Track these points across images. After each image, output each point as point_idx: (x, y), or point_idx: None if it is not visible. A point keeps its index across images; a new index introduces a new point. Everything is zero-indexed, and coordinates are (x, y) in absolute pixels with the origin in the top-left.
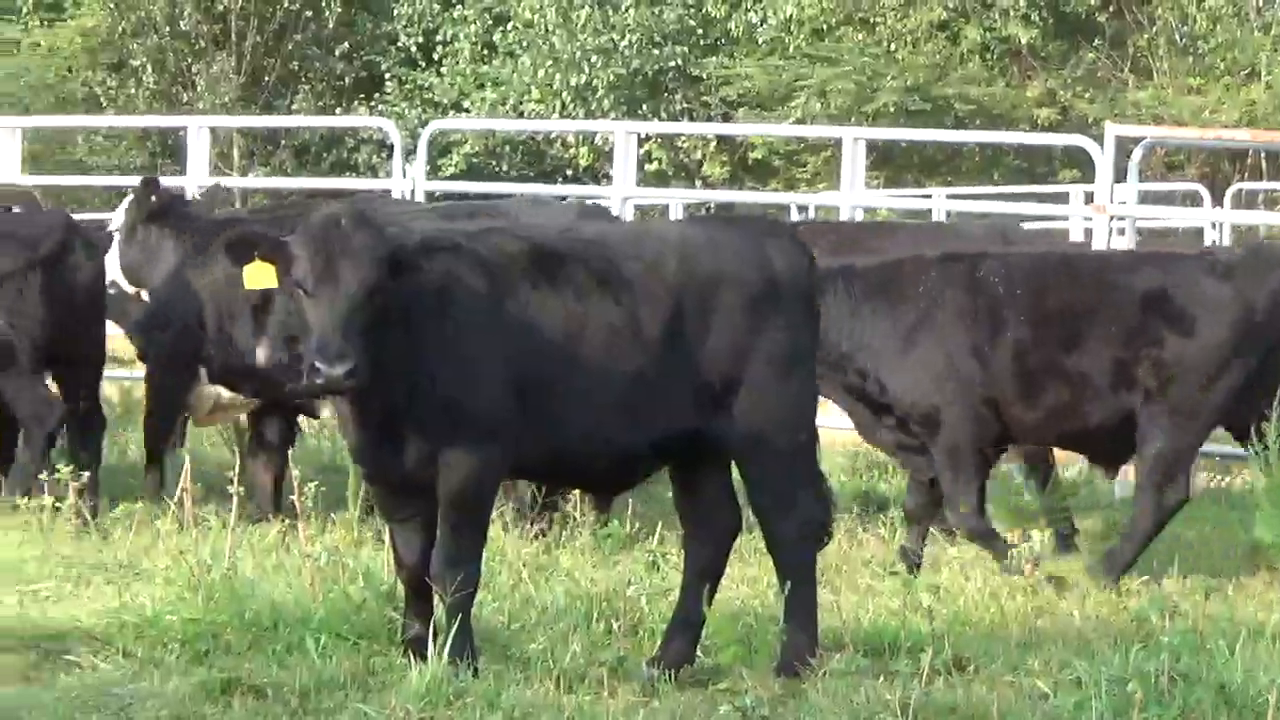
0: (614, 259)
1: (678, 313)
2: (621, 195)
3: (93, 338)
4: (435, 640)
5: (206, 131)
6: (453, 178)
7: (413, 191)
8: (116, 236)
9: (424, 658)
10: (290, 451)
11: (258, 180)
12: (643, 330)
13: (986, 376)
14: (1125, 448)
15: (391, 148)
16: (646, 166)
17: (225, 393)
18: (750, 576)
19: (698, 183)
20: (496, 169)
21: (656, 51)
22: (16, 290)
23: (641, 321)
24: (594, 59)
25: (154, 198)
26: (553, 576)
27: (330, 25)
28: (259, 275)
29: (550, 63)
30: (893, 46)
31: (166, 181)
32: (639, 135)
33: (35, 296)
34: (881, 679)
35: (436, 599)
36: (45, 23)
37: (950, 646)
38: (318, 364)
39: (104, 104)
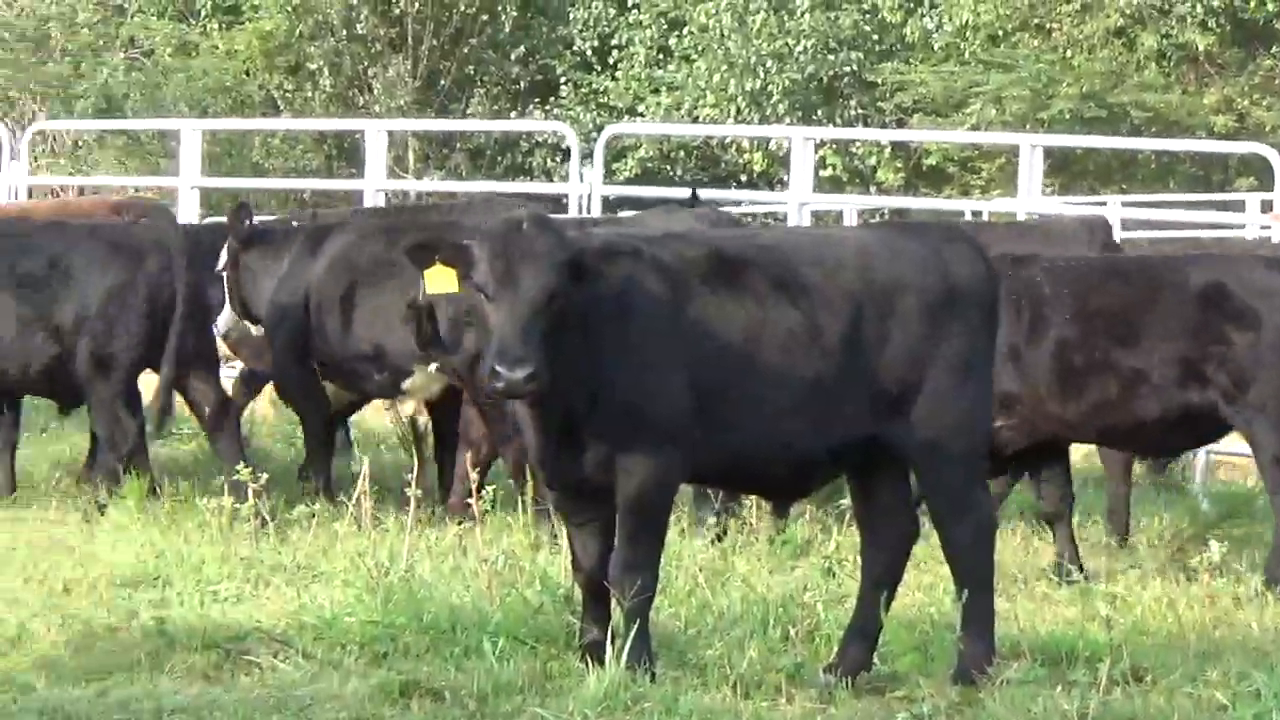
0: (793, 265)
1: (856, 319)
2: (797, 200)
3: (202, 342)
4: (613, 645)
5: (384, 135)
6: (627, 182)
7: (589, 196)
8: (225, 276)
9: (601, 662)
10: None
11: (432, 184)
12: (821, 336)
13: None
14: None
15: (566, 151)
16: (821, 172)
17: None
18: (927, 583)
19: (872, 188)
20: (671, 174)
21: (832, 57)
22: (120, 304)
23: (820, 328)
24: (769, 64)
25: (247, 223)
26: (729, 582)
27: (506, 29)
28: (440, 279)
29: (725, 67)
30: (1069, 53)
31: (343, 184)
32: (815, 141)
33: (138, 310)
34: (1059, 688)
35: (614, 604)
36: (224, 26)
37: (1128, 656)
38: (498, 368)
39: (281, 107)
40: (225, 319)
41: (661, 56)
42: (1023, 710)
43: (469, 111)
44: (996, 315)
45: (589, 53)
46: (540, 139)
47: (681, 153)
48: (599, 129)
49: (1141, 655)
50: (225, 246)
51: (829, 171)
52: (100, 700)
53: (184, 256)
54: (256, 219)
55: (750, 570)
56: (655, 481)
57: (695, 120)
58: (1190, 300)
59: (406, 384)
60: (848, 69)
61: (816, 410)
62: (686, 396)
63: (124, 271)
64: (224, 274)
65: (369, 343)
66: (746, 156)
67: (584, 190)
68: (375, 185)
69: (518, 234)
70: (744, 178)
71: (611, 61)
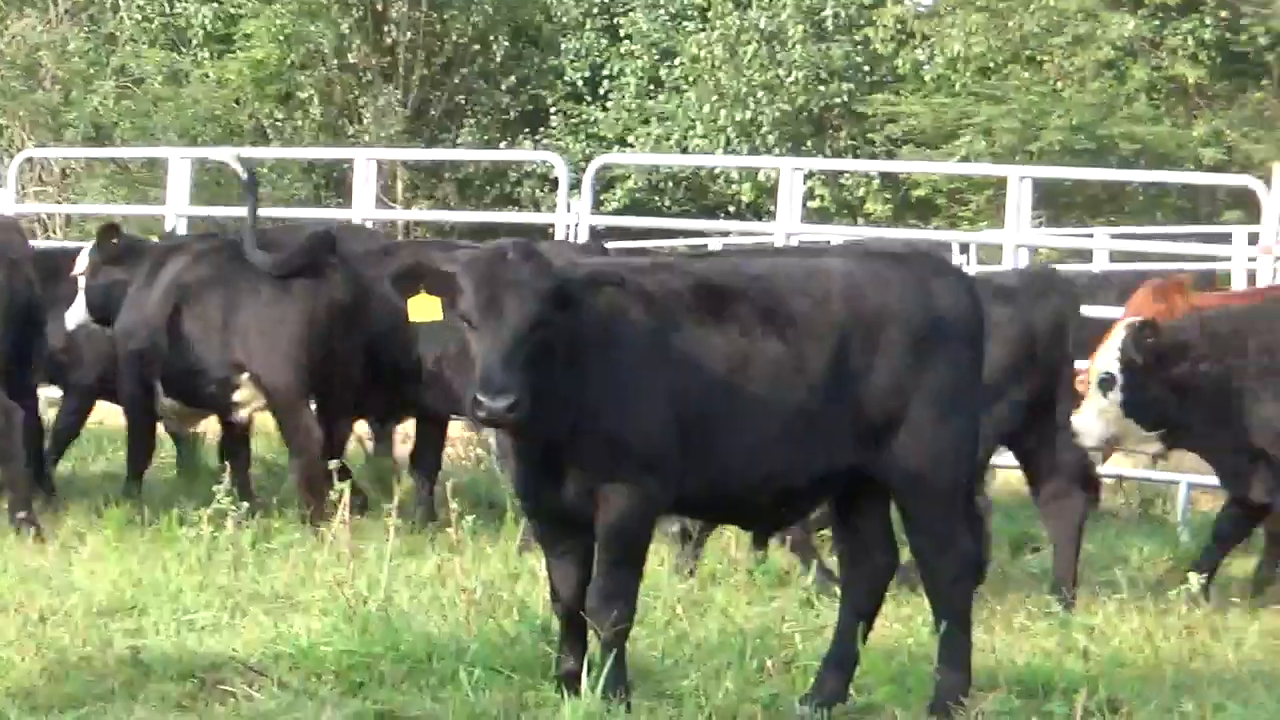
0: (779, 295)
1: (842, 349)
2: (785, 231)
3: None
4: (589, 675)
5: (372, 164)
6: (616, 213)
7: (577, 226)
8: (81, 280)
9: (577, 692)
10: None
11: (421, 213)
12: (806, 366)
13: None
14: None
15: (555, 181)
16: (809, 203)
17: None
18: (905, 615)
19: (860, 220)
20: (660, 204)
21: (822, 88)
22: None
23: (805, 357)
24: (760, 95)
25: (114, 241)
26: (707, 613)
27: (497, 59)
28: (424, 307)
29: (716, 98)
30: (1059, 85)
31: (333, 214)
32: (803, 172)
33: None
34: None
35: (591, 634)
36: (215, 55)
37: (1104, 688)
38: (481, 397)
39: (271, 136)
40: (76, 315)
41: (652, 88)
42: None
43: (459, 141)
44: (982, 347)
45: (580, 83)
46: (529, 169)
47: (670, 183)
48: (588, 159)
49: (1118, 687)
50: (86, 253)
51: (817, 202)
52: None
53: (30, 268)
54: None
55: (729, 601)
56: (635, 512)
57: (685, 151)
58: None
59: (236, 396)
60: (838, 100)
61: (800, 440)
62: (669, 427)
63: None
64: (80, 279)
65: (197, 357)
66: (735, 187)
67: (572, 220)
68: (362, 214)
69: (502, 263)
70: (732, 208)
71: (602, 92)
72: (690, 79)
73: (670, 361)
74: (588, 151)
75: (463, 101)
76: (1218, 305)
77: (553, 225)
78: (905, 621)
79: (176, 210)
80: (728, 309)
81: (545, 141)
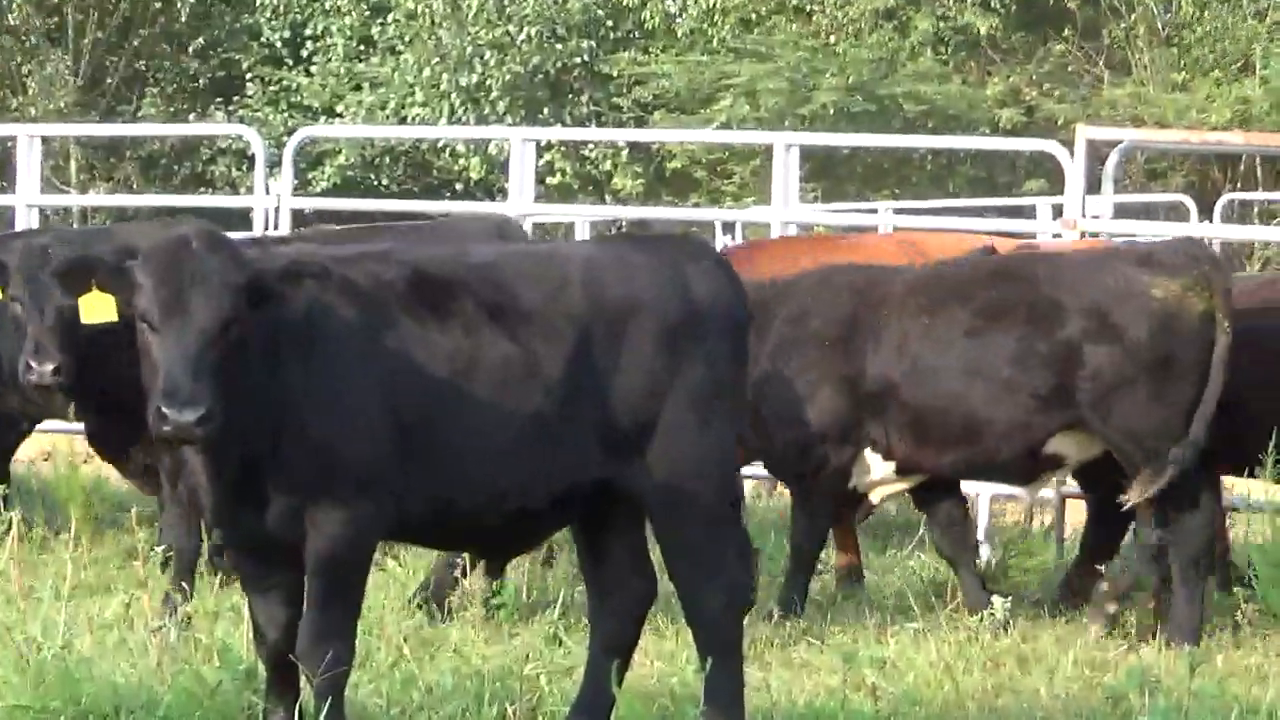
0: (508, 287)
1: (583, 347)
2: (518, 212)
3: None
4: None
5: (38, 141)
6: (324, 193)
7: (277, 209)
8: None
9: None
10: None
11: (99, 198)
12: (542, 368)
13: None
14: None
15: (253, 159)
16: (549, 179)
17: None
18: (666, 651)
19: (608, 197)
20: (375, 183)
21: (560, 47)
22: None
23: (540, 358)
24: (487, 55)
25: None
26: (439, 653)
27: (182, 19)
28: (97, 307)
29: (437, 60)
30: (832, 38)
31: None
32: (538, 143)
33: None
34: None
35: (303, 680)
36: None
37: None
38: (165, 409)
39: None
40: None
41: (363, 49)
42: None
43: (140, 114)
44: (745, 343)
45: (279, 45)
46: (223, 145)
47: (387, 159)
48: (291, 132)
49: None
50: None
51: (557, 178)
52: None
53: None
54: None
55: (463, 639)
56: (349, 538)
57: (403, 121)
58: None
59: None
60: (578, 60)
61: (538, 453)
62: (384, 439)
63: None
64: None
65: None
66: (462, 162)
67: (270, 203)
68: (28, 200)
69: (186, 253)
70: (459, 186)
71: (305, 55)
72: (406, 38)
73: (384, 364)
74: (290, 124)
75: (143, 68)
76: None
77: (251, 208)
78: (668, 659)
79: None
80: (448, 304)
81: (241, 113)
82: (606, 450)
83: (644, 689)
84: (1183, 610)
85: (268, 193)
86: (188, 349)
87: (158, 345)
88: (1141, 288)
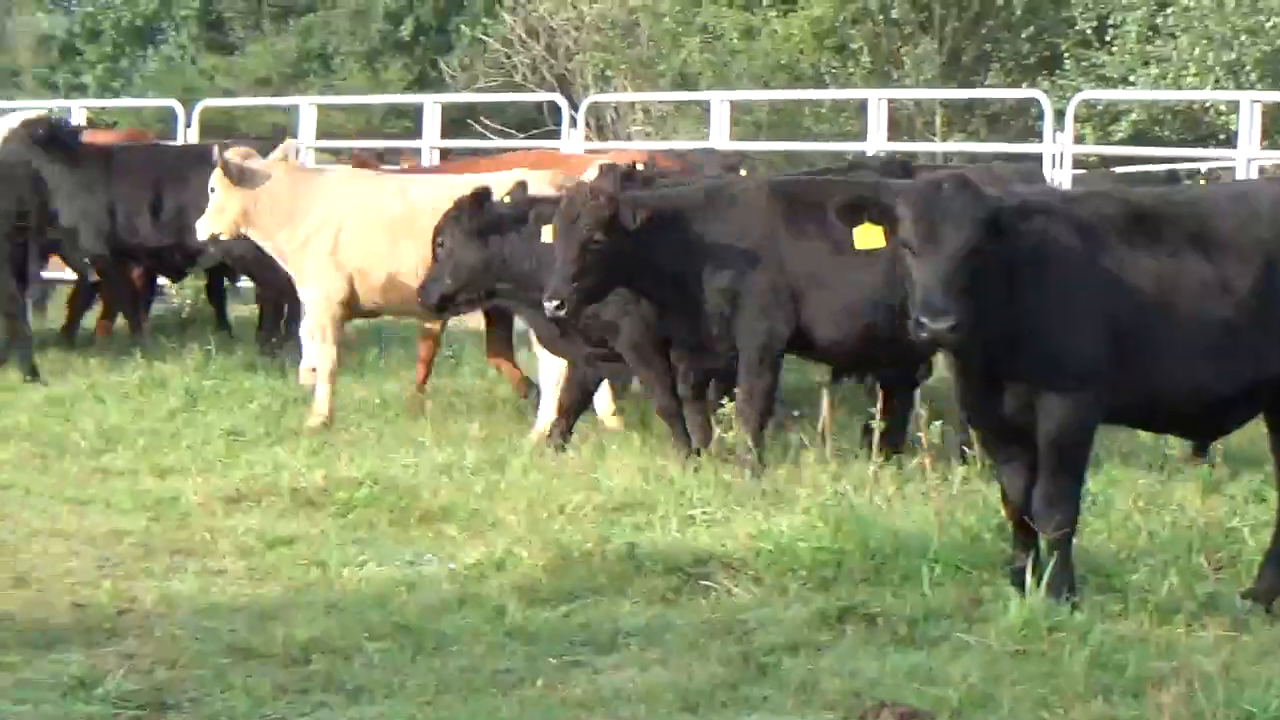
0: (1206, 218)
1: (1268, 268)
2: (1246, 157)
3: None
4: (1034, 573)
5: (884, 103)
6: (1121, 143)
7: (1060, 155)
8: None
9: (1024, 590)
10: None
11: (947, 145)
12: (1233, 285)
13: None
14: None
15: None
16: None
17: None
18: None
19: None
20: (1161, 134)
21: None
22: None
23: (1231, 277)
24: (1243, 38)
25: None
26: (1163, 507)
27: (1018, 12)
28: (868, 236)
29: (1205, 42)
30: None
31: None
32: (1260, 104)
33: None
34: None
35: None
36: (781, 14)
37: None
38: (923, 319)
39: (827, 81)
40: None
41: (1151, 34)
42: None
43: (986, 84)
44: None
45: (1088, 31)
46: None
47: (1168, 116)
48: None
49: None
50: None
51: None
52: (564, 622)
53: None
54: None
55: (1183, 495)
56: (1073, 422)
57: (1180, 89)
58: None
59: None
60: None
61: (1228, 354)
62: (1102, 343)
63: None
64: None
65: None
66: (1224, 119)
67: (1056, 150)
68: (877, 146)
69: (939, 194)
70: (1222, 136)
71: (1107, 39)
72: (1183, 26)
73: (1101, 282)
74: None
75: (989, 49)
76: None
77: (1040, 155)
78: None
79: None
80: (1158, 233)
81: (1061, 82)
82: None
83: None
84: None
85: (1054, 142)
86: (941, 271)
87: (916, 268)
88: None
